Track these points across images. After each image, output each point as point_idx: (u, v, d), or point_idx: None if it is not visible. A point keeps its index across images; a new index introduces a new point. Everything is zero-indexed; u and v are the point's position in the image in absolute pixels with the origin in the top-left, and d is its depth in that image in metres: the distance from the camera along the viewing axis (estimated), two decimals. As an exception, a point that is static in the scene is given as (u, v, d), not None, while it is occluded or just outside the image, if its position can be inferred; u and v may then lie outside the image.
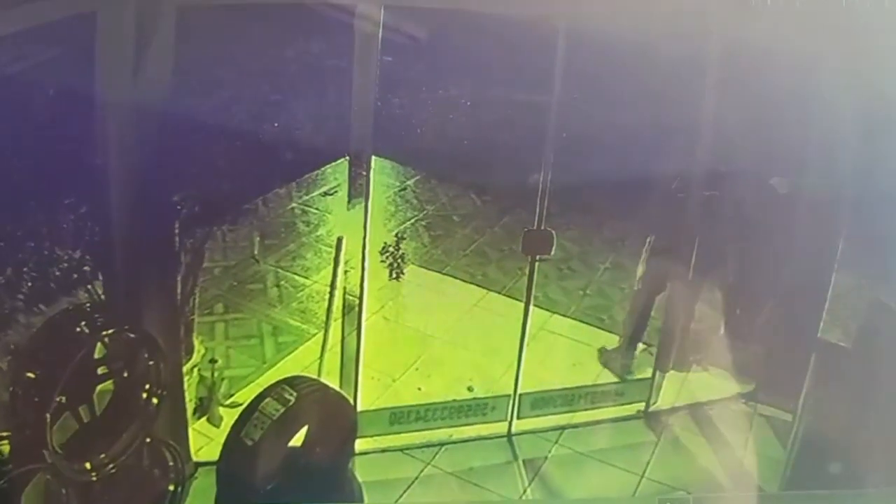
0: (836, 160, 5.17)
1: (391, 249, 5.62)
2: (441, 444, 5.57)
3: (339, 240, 5.29)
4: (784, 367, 5.84)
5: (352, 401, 5.24)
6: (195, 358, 5.19)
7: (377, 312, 5.63)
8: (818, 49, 4.88)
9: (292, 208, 5.78)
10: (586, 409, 5.85)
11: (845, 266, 5.57)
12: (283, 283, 5.77)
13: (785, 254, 5.73)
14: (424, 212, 6.43)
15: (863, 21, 4.75)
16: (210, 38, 4.53)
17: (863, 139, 5.08)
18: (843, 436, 4.95)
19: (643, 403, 6.00)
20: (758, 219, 5.57)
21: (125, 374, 4.36)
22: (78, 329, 4.24)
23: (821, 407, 5.20)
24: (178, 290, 4.91)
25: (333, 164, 5.55)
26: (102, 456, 4.27)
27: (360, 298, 5.26)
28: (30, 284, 4.36)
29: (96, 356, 4.27)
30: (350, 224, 5.19)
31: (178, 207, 4.75)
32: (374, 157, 5.10)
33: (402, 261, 5.67)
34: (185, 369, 5.04)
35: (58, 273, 4.46)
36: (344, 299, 5.29)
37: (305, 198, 5.78)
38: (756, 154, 5.22)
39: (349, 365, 5.33)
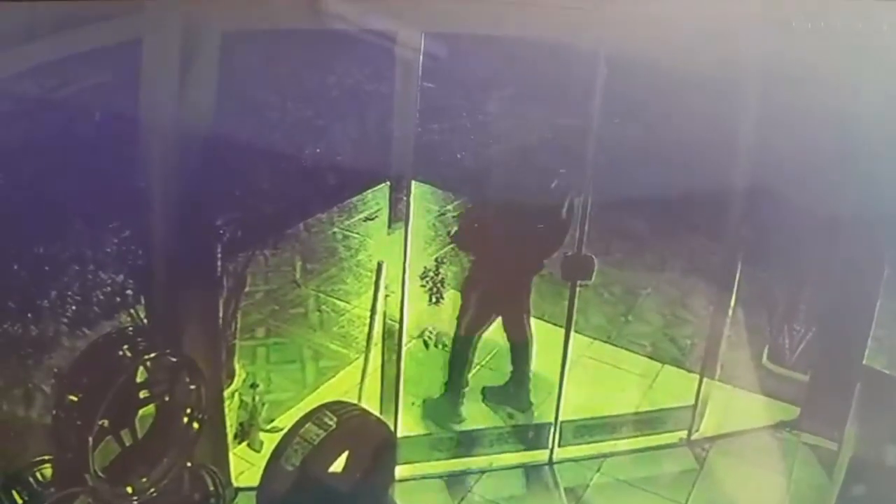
0: (880, 184, 5.12)
1: (431, 274, 5.59)
2: (481, 472, 5.52)
3: (380, 264, 5.28)
4: (828, 394, 5.76)
5: (392, 426, 5.22)
6: (236, 382, 5.19)
7: (417, 337, 5.61)
8: (860, 71, 4.84)
9: (334, 233, 5.78)
10: (628, 437, 5.81)
11: (891, 291, 5.50)
12: (324, 307, 5.76)
13: (829, 279, 5.68)
14: (464, 236, 6.41)
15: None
16: (253, 64, 4.56)
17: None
18: (890, 465, 4.87)
19: (685, 431, 5.93)
20: (802, 244, 5.51)
21: (166, 399, 4.34)
22: (120, 353, 4.24)
23: (866, 436, 5.12)
24: (220, 315, 4.92)
25: (374, 188, 5.55)
26: (143, 480, 4.25)
27: (401, 323, 5.24)
28: (74, 308, 4.38)
29: (138, 380, 4.26)
30: (390, 249, 5.18)
31: (221, 232, 4.77)
32: (414, 182, 5.11)
33: (442, 285, 5.64)
34: (225, 394, 5.04)
35: (101, 297, 4.47)
36: (384, 324, 5.28)
37: (347, 223, 5.79)
38: (799, 178, 5.16)
39: (389, 390, 5.31)
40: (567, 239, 5.50)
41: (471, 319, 5.67)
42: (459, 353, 5.73)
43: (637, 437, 5.82)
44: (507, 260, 5.59)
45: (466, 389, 5.78)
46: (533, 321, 5.72)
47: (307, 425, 4.58)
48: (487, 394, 5.89)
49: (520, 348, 5.79)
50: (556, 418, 5.63)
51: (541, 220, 5.52)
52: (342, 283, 5.80)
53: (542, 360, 5.77)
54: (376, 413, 5.12)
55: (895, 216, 5.18)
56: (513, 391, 5.87)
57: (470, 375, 5.73)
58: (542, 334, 5.92)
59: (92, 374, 4.17)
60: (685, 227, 5.63)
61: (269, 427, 5.28)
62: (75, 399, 4.10)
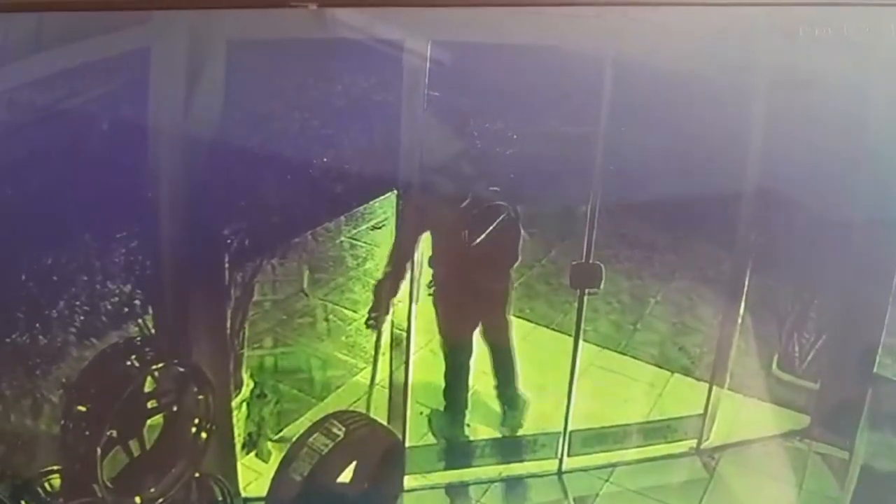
0: (890, 192, 5.11)
1: (439, 283, 5.57)
2: (490, 482, 5.50)
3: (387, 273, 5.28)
4: (839, 403, 5.73)
5: (400, 436, 5.20)
6: (244, 392, 5.17)
7: (425, 346, 5.58)
8: (869, 78, 4.83)
9: (341, 242, 5.75)
10: (638, 447, 5.78)
11: (900, 300, 5.48)
12: (331, 316, 5.73)
13: (839, 287, 5.65)
14: (471, 245, 6.39)
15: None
16: (260, 72, 4.56)
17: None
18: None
19: (695, 440, 5.90)
20: (811, 252, 5.49)
21: (175, 409, 4.35)
22: (128, 363, 4.25)
23: (877, 444, 5.10)
24: (228, 324, 4.91)
25: (381, 197, 5.53)
26: (152, 490, 4.26)
27: (408, 332, 5.23)
28: (82, 318, 4.37)
29: (146, 390, 4.27)
30: (398, 257, 5.18)
31: (229, 241, 4.76)
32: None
33: (450, 293, 5.61)
34: (234, 404, 5.03)
35: (109, 307, 4.47)
36: (392, 333, 5.27)
37: (354, 231, 5.76)
38: (807, 186, 5.15)
39: (397, 400, 5.29)
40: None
41: (450, 337, 5.54)
42: (454, 379, 5.60)
43: (646, 446, 5.80)
44: (463, 265, 5.51)
45: (468, 409, 5.73)
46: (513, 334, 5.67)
47: (315, 435, 4.58)
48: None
49: (501, 360, 5.68)
50: (566, 428, 5.60)
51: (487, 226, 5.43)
52: (350, 293, 5.76)
53: (550, 370, 5.74)
54: (384, 423, 5.12)
55: (906, 224, 5.18)
56: (501, 413, 5.73)
57: (469, 395, 5.68)
58: (551, 343, 5.89)
59: (100, 384, 4.18)
60: (694, 235, 5.61)
61: (277, 437, 5.27)
62: (83, 409, 4.11)
